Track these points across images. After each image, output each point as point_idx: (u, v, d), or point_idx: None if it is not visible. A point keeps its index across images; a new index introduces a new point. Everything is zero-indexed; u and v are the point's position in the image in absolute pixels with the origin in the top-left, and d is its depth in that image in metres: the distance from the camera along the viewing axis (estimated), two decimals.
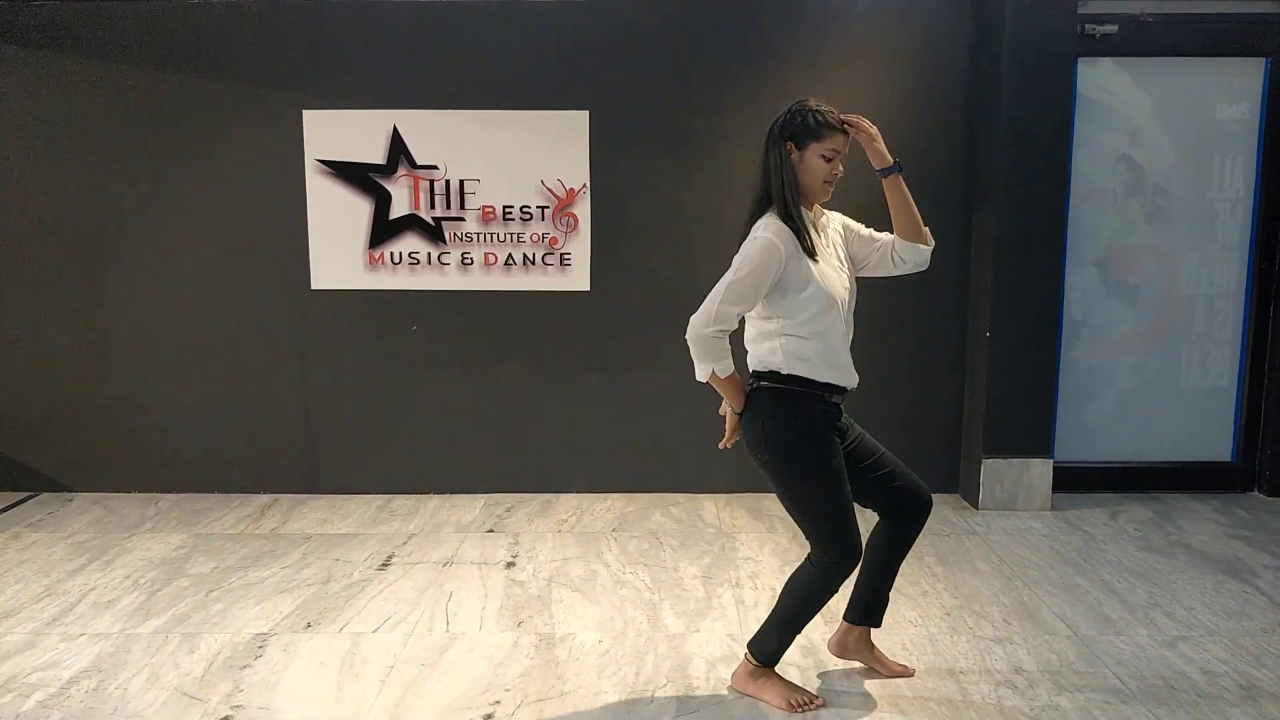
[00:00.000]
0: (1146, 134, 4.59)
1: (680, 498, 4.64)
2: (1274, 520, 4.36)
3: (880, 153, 2.67)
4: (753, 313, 2.70)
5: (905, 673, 2.95)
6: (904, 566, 3.78)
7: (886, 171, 2.69)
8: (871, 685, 2.90)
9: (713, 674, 2.96)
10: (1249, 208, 4.61)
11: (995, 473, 4.47)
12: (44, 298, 4.61)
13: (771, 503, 4.55)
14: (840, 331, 2.69)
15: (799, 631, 2.79)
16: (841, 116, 2.63)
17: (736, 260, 2.63)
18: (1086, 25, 4.41)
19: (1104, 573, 3.76)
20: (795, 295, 2.60)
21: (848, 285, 2.72)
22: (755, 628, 3.24)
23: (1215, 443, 4.76)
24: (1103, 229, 4.63)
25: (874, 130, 2.66)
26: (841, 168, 2.64)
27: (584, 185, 4.53)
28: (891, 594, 3.52)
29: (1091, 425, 4.74)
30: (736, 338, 2.71)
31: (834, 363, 2.67)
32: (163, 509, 4.49)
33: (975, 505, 4.51)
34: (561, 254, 4.58)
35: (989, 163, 4.39)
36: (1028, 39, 4.26)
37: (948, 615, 3.38)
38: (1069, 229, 4.54)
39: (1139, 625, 3.30)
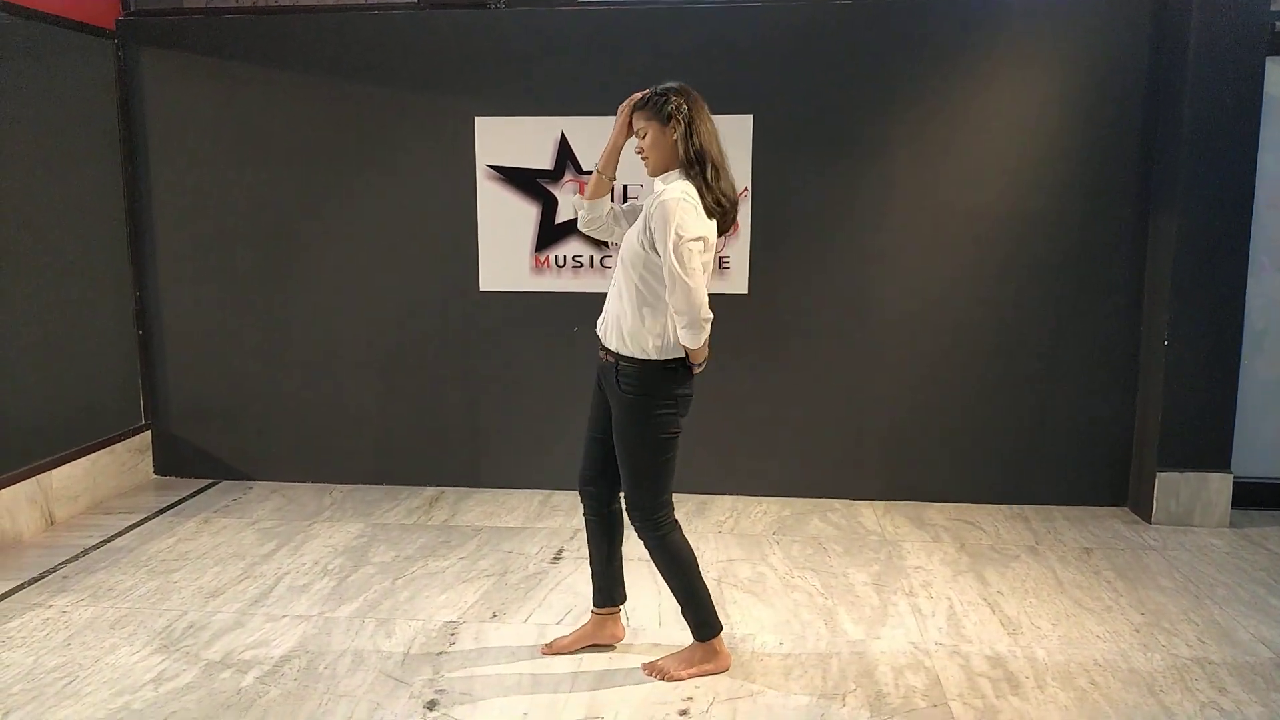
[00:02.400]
0: None
1: (836, 503, 4.62)
2: None
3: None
4: None
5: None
6: (1080, 578, 3.75)
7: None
8: (1068, 698, 2.84)
9: (901, 681, 2.95)
10: None
11: (1170, 486, 4.32)
12: (231, 296, 4.87)
13: (935, 512, 4.50)
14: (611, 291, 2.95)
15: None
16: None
17: None
18: (1277, 23, 4.23)
19: None
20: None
21: (623, 253, 2.89)
22: (938, 637, 3.24)
23: None
24: None
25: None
26: (640, 144, 2.88)
27: (745, 189, 4.56)
28: (1072, 607, 3.47)
29: (1272, 439, 4.53)
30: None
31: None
32: (337, 499, 4.69)
33: (1148, 520, 4.36)
34: (720, 257, 4.61)
35: (1170, 164, 4.25)
36: (1214, 37, 4.11)
37: (1137, 631, 3.28)
38: (1252, 235, 4.36)
39: None
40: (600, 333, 2.96)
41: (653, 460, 2.92)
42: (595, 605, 3.17)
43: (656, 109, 2.82)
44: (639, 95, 2.87)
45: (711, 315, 2.76)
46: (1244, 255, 4.27)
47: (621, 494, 3.04)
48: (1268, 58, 4.25)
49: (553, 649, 3.13)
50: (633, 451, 2.92)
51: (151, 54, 4.75)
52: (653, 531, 2.97)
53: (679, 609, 3.04)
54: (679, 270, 2.68)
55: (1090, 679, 2.96)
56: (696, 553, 3.96)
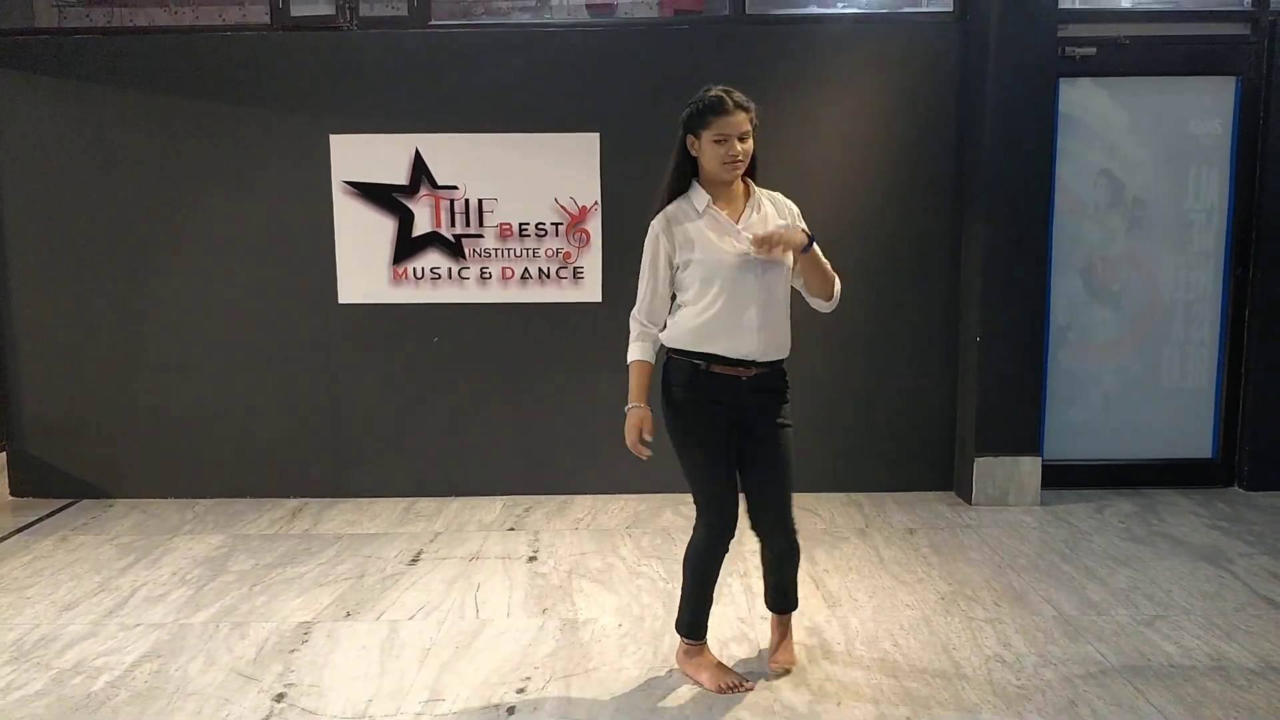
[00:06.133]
0: (1125, 149, 4.86)
1: (688, 497, 4.85)
2: (1251, 512, 4.61)
3: (795, 244, 2.80)
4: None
5: (786, 663, 3.07)
6: (900, 555, 4.07)
7: (803, 249, 2.82)
8: (872, 659, 3.15)
9: (724, 652, 3.21)
10: (1223, 217, 4.88)
11: (987, 470, 4.72)
12: (84, 312, 4.87)
13: None
14: (729, 303, 2.79)
15: (706, 601, 3.02)
16: (752, 240, 2.76)
17: None
18: (1067, 47, 4.69)
19: (1088, 560, 4.01)
20: (683, 271, 2.85)
21: (742, 253, 2.79)
22: (764, 612, 3.50)
23: (1196, 440, 5.01)
24: (1086, 239, 4.90)
25: (777, 237, 2.75)
26: (741, 145, 2.76)
27: (595, 203, 4.80)
28: (889, 581, 3.80)
29: (1078, 425, 4.99)
30: None
31: (716, 334, 2.80)
32: (199, 513, 4.74)
33: (969, 501, 4.76)
34: (575, 268, 4.84)
35: (977, 176, 4.66)
36: (1011, 61, 4.53)
37: (942, 599, 3.63)
38: (1054, 239, 4.81)
39: (1120, 606, 3.55)
40: (753, 355, 2.83)
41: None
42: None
43: (755, 112, 2.81)
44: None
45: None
46: (1045, 258, 4.71)
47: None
48: (1060, 78, 4.71)
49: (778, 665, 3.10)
50: (791, 458, 2.96)
51: (1, 74, 4.74)
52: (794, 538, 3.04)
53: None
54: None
55: (894, 641, 3.28)
56: (551, 549, 4.20)
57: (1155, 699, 2.89)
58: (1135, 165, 4.86)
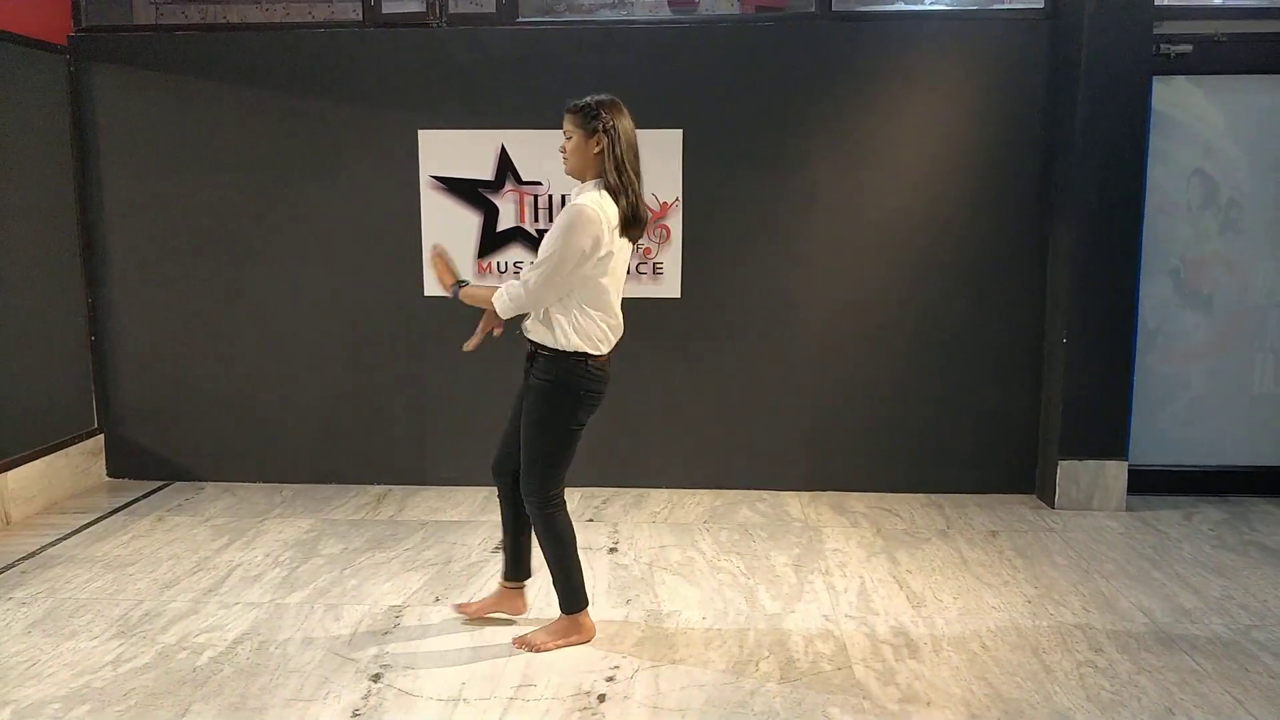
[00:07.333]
0: (1220, 149, 4.75)
1: (765, 494, 4.89)
2: None
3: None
4: None
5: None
6: (984, 558, 4.05)
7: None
8: (960, 660, 3.13)
9: (810, 649, 3.22)
10: None
11: (1071, 473, 4.65)
12: (181, 302, 5.03)
13: (856, 500, 4.79)
14: None
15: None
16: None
17: None
18: (1161, 45, 4.60)
19: (1179, 568, 3.94)
20: None
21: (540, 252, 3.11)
22: (848, 610, 3.51)
23: None
24: (1177, 240, 4.80)
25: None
26: (564, 144, 3.11)
27: (676, 199, 4.82)
28: (973, 583, 3.78)
29: (1166, 430, 4.89)
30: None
31: None
32: (287, 497, 4.87)
33: (1051, 505, 4.69)
34: (655, 263, 4.87)
35: (1067, 176, 4.59)
36: (1104, 58, 4.45)
37: (1029, 602, 3.59)
38: (1144, 240, 4.71)
39: (1214, 615, 3.48)
40: (525, 324, 3.22)
41: (545, 448, 3.16)
42: (503, 578, 3.43)
43: (585, 119, 3.05)
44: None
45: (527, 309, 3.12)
46: (1135, 260, 4.62)
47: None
48: (1154, 76, 4.62)
49: (461, 609, 3.45)
50: (531, 438, 3.17)
51: (103, 69, 4.91)
52: (540, 509, 3.21)
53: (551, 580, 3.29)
54: (546, 265, 2.99)
55: (982, 643, 3.26)
56: (631, 541, 4.24)
57: (1255, 709, 2.84)
58: (1230, 166, 4.75)
